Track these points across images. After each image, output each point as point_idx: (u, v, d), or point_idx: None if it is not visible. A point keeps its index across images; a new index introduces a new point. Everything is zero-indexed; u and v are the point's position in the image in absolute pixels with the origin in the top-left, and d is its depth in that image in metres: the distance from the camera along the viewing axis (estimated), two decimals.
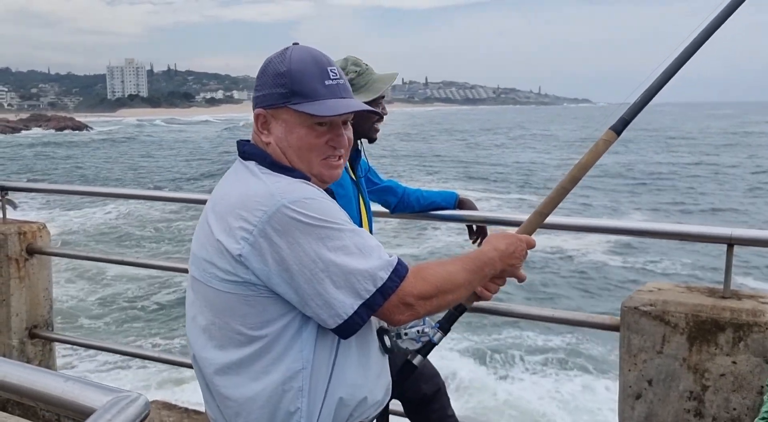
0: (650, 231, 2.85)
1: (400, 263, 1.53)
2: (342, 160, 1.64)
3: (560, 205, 1.90)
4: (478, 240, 3.00)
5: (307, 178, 1.58)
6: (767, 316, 2.33)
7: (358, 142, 2.66)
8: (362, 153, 2.70)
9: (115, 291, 12.63)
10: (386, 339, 1.73)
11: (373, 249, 1.51)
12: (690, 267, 14.66)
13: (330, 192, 1.66)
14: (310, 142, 1.58)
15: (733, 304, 2.41)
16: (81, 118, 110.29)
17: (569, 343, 9.89)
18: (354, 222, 2.53)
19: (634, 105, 1.90)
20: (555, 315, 2.83)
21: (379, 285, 1.48)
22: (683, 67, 1.90)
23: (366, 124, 2.58)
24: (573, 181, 1.88)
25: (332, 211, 1.51)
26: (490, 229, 2.96)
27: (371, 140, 2.68)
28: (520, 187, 30.25)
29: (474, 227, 3.00)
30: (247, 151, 1.61)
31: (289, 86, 1.55)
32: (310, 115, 1.54)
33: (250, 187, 1.51)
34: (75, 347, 7.60)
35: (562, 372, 9.13)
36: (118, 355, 7.70)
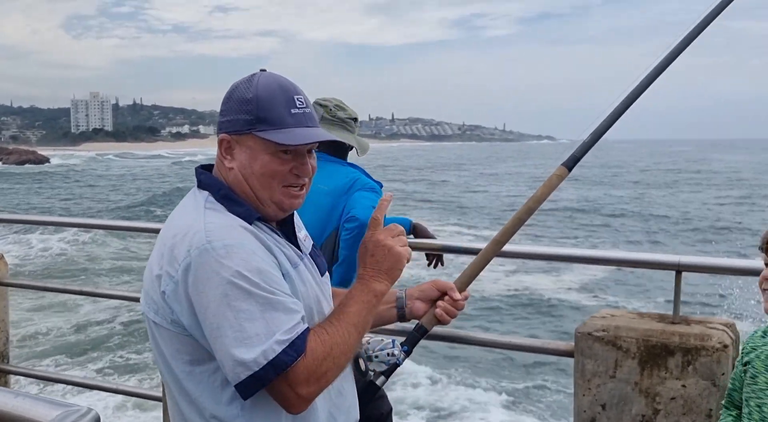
0: (602, 258, 2.93)
1: (298, 339, 1.42)
2: (304, 190, 1.61)
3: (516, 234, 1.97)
4: (437, 264, 3.08)
5: (254, 215, 1.54)
6: (714, 340, 2.40)
7: None
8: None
9: (79, 320, 12.42)
10: (361, 362, 1.73)
11: (275, 320, 1.41)
12: (642, 295, 15.08)
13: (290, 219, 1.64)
14: (274, 169, 1.54)
15: (682, 329, 2.48)
16: (43, 151, 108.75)
17: (526, 370, 10.01)
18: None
19: (584, 144, 2.01)
20: (512, 341, 2.88)
21: (271, 357, 1.38)
22: (630, 108, 2.01)
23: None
24: (528, 212, 1.96)
25: (255, 267, 1.43)
26: (446, 256, 3.02)
27: None
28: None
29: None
30: (203, 180, 1.60)
31: (254, 113, 1.52)
32: (276, 143, 1.52)
33: (187, 223, 1.49)
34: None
35: (519, 399, 9.20)
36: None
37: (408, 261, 1.64)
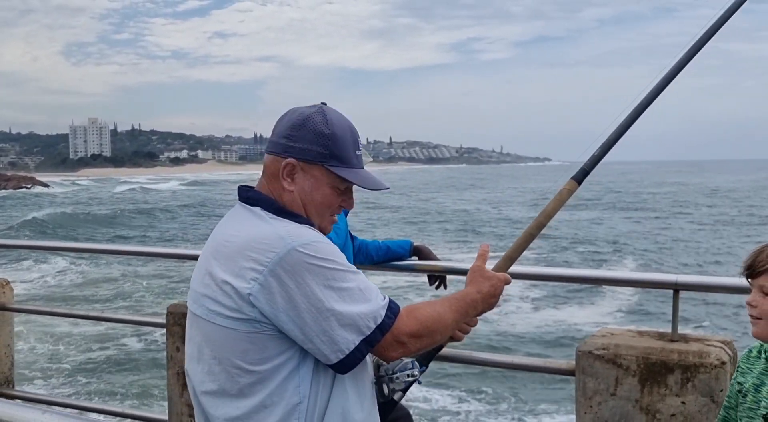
0: (602, 278, 2.99)
1: (393, 302, 1.65)
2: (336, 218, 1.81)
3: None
4: (440, 285, 3.13)
5: (312, 225, 1.70)
6: (713, 358, 2.45)
7: None
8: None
9: (82, 344, 12.41)
10: (384, 386, 1.82)
11: (371, 290, 1.63)
12: (642, 313, 15.13)
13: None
14: (332, 201, 1.73)
15: (681, 347, 2.53)
16: (42, 177, 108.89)
17: (529, 389, 10.09)
18: None
19: (593, 157, 2.07)
20: (515, 361, 2.93)
21: (379, 322, 1.59)
22: (636, 121, 2.08)
23: None
24: (539, 227, 2.01)
25: (337, 253, 1.63)
26: (450, 278, 3.07)
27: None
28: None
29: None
30: (252, 196, 1.71)
31: (330, 148, 1.68)
32: (341, 178, 1.70)
33: (259, 230, 1.61)
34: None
35: (523, 417, 9.28)
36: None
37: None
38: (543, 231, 2.02)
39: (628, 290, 15.78)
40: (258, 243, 1.57)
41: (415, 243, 3.13)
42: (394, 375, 1.82)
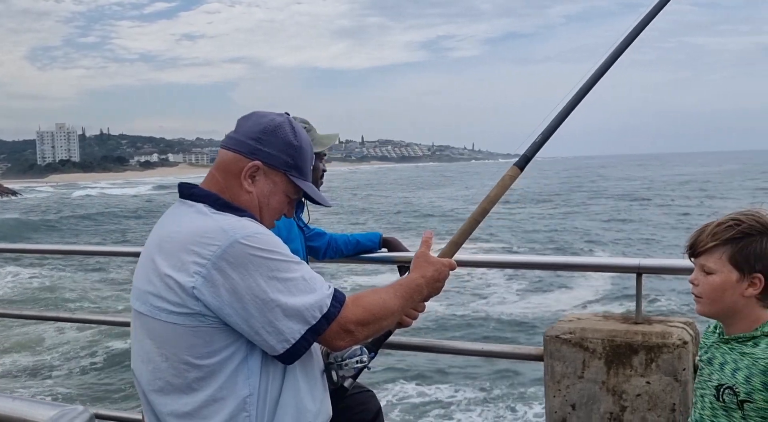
0: (564, 264, 3.04)
1: (338, 291, 1.68)
2: None
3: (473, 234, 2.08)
4: None
5: (254, 218, 1.71)
6: (675, 338, 2.52)
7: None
8: (306, 207, 2.89)
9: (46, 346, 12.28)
10: (333, 373, 1.85)
11: (316, 280, 1.65)
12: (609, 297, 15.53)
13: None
14: (282, 208, 1.80)
15: (645, 328, 2.59)
16: (9, 184, 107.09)
17: (500, 375, 10.27)
18: None
19: (534, 144, 2.12)
20: (485, 348, 2.97)
21: (324, 311, 1.61)
22: (576, 108, 2.14)
23: (314, 178, 2.82)
24: (483, 212, 2.06)
25: (280, 245, 1.64)
26: None
27: None
28: None
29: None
30: (196, 193, 1.73)
31: (295, 159, 1.76)
32: (299, 189, 1.79)
33: (201, 224, 1.62)
34: None
35: (493, 403, 9.46)
36: None
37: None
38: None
39: (609, 276, 16.15)
40: (200, 237, 1.58)
41: (384, 236, 3.16)
42: (343, 362, 1.87)
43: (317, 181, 2.83)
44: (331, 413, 1.81)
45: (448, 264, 1.93)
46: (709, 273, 1.79)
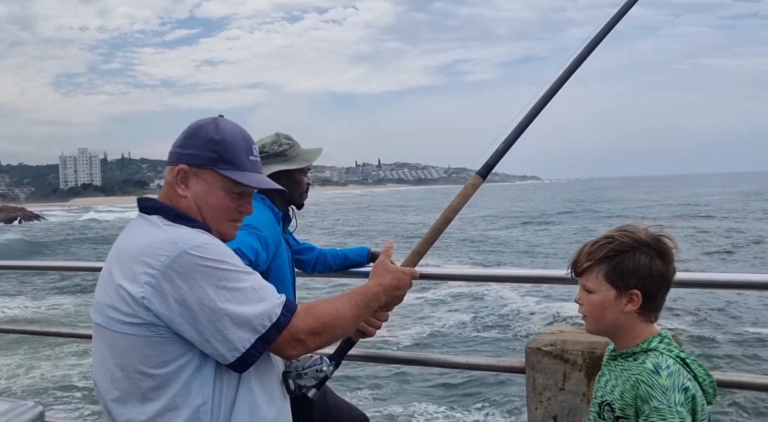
0: (548, 277, 3.05)
1: (289, 301, 1.69)
2: (239, 224, 1.84)
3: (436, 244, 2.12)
4: None
5: (208, 229, 1.73)
6: None
7: (290, 208, 2.90)
8: (294, 218, 2.94)
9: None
10: (290, 381, 1.85)
11: (267, 289, 1.67)
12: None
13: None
14: (227, 204, 1.76)
15: None
16: (33, 208, 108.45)
17: (482, 387, 10.27)
18: (287, 283, 2.73)
19: (497, 152, 2.15)
20: (469, 361, 2.98)
21: (274, 320, 1.62)
22: (537, 117, 2.18)
23: (297, 192, 2.87)
24: (446, 221, 2.09)
25: (230, 255, 1.66)
26: None
27: (299, 206, 2.94)
28: None
29: None
30: (151, 205, 1.76)
31: (219, 153, 1.73)
32: (236, 182, 1.74)
33: (153, 236, 1.65)
34: None
35: (476, 415, 9.45)
36: None
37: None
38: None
39: None
40: (151, 248, 1.61)
41: (372, 250, 3.20)
42: (303, 372, 1.86)
43: (301, 194, 2.89)
44: (291, 420, 1.82)
45: (409, 273, 1.95)
46: (589, 292, 1.80)
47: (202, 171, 1.74)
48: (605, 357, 1.91)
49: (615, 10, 2.31)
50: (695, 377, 1.73)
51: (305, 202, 2.97)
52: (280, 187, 1.91)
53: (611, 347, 1.90)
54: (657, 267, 1.75)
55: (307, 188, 2.95)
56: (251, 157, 1.78)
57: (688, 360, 1.75)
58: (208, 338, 1.58)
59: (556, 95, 2.20)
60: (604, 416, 1.77)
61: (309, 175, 2.96)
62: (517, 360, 2.85)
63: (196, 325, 1.57)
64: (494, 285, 17.85)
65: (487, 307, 17.04)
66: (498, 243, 36.05)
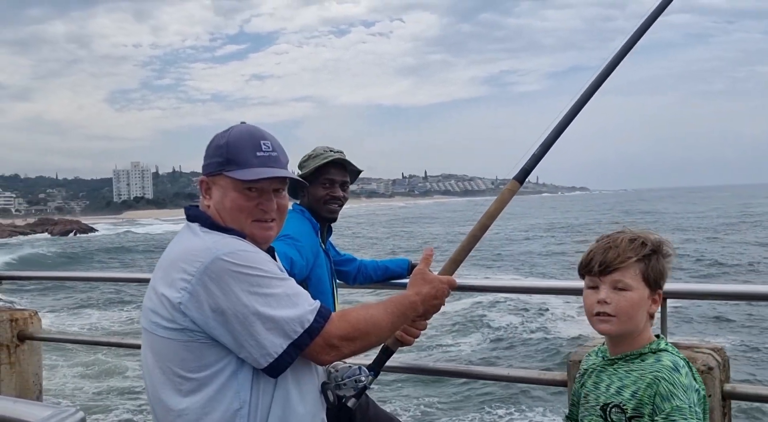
0: (571, 288, 2.96)
1: (323, 307, 1.71)
2: (275, 224, 1.82)
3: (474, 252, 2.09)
4: None
5: (242, 236, 1.76)
6: (699, 364, 2.47)
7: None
8: (331, 232, 2.95)
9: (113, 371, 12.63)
10: (329, 392, 1.86)
11: (300, 295, 1.69)
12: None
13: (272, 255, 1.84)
14: (241, 204, 1.76)
15: None
16: (88, 220, 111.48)
17: (520, 399, 10.10)
18: (326, 293, 2.75)
19: (533, 156, 2.13)
20: (510, 374, 2.95)
21: (306, 326, 1.64)
22: (575, 119, 2.15)
23: (316, 205, 2.82)
24: (483, 228, 2.06)
25: (263, 262, 1.69)
26: None
27: (326, 219, 2.88)
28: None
29: None
30: (192, 213, 1.82)
31: (225, 155, 1.76)
32: (238, 180, 1.74)
33: (190, 243, 1.71)
34: None
35: None
36: None
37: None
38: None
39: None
40: (188, 255, 1.66)
41: (412, 262, 3.20)
42: (342, 382, 1.87)
43: (322, 206, 2.83)
44: None
45: (447, 282, 1.95)
46: (623, 289, 1.76)
47: (216, 178, 1.79)
48: (597, 363, 1.89)
49: (649, 13, 2.28)
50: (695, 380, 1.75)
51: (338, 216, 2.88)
52: (287, 173, 1.83)
53: (601, 353, 1.89)
54: (668, 270, 1.81)
55: (332, 199, 2.84)
56: (259, 153, 1.76)
57: (689, 365, 1.77)
58: (242, 343, 1.61)
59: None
60: (611, 418, 1.76)
61: (338, 187, 2.85)
62: (560, 373, 2.81)
63: (231, 330, 1.61)
64: (537, 296, 17.58)
65: (528, 315, 16.86)
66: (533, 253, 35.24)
